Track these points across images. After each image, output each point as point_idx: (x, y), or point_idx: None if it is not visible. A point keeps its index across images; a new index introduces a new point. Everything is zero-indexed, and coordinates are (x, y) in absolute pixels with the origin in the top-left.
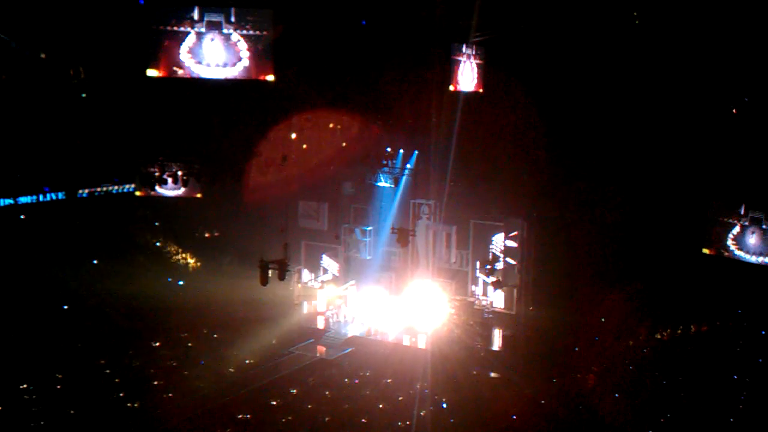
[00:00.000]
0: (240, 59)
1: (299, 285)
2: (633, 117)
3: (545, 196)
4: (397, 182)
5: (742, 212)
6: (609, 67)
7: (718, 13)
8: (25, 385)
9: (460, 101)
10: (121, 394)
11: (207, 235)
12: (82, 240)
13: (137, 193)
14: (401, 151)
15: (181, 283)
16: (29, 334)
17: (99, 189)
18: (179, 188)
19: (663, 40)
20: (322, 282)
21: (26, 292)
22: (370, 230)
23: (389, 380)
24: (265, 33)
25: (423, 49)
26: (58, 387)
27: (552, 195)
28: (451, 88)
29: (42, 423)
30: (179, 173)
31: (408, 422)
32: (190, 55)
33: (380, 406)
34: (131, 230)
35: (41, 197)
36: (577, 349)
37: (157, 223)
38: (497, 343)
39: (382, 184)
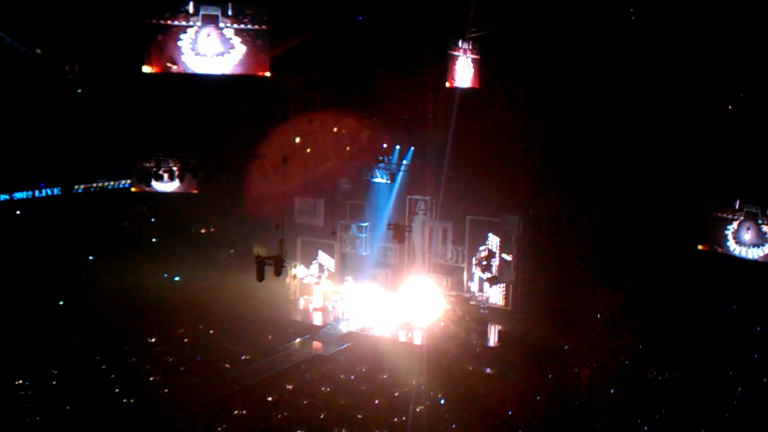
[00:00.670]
0: (236, 55)
1: (295, 281)
2: (628, 113)
3: (541, 192)
4: (393, 178)
5: (737, 207)
6: (604, 64)
7: (714, 8)
8: (20, 381)
9: (457, 97)
10: (116, 390)
11: (203, 230)
12: (77, 236)
13: (133, 189)
14: (397, 147)
15: (177, 279)
16: (24, 330)
17: (95, 185)
18: (175, 184)
19: (659, 36)
20: (318, 278)
21: (21, 287)
22: (366, 226)
23: (385, 376)
24: (264, 27)
25: (419, 44)
26: (54, 383)
27: (548, 191)
28: (447, 84)
29: (38, 419)
30: (175, 169)
31: (404, 418)
32: (184, 51)
33: (376, 401)
34: (127, 226)
35: (36, 193)
36: (567, 347)
37: (153, 219)
38: (493, 338)
39: (378, 180)
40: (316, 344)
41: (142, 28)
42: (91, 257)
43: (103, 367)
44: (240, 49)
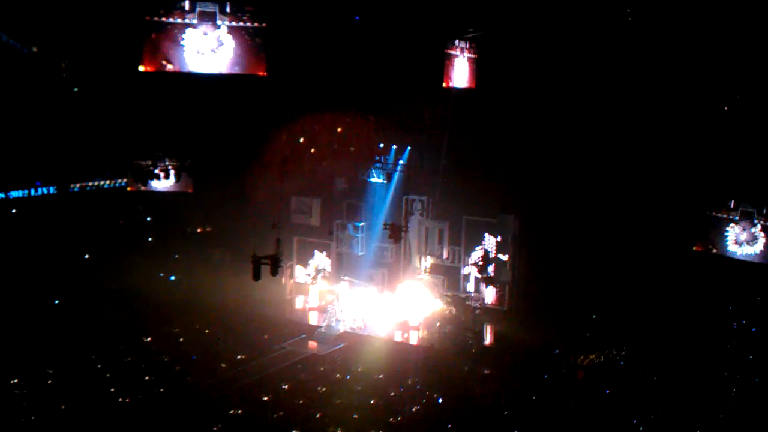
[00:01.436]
0: (233, 53)
1: (291, 281)
2: (624, 114)
3: (538, 193)
4: (389, 178)
5: (732, 206)
6: (601, 65)
7: (710, 10)
8: (15, 380)
9: (453, 97)
10: (112, 389)
11: (198, 230)
12: (73, 234)
13: (128, 188)
14: (394, 146)
15: (172, 278)
16: (20, 329)
17: (91, 183)
18: (171, 183)
19: (656, 37)
20: (314, 278)
21: (17, 286)
22: (362, 226)
23: (381, 376)
24: (263, 25)
25: (416, 44)
26: (49, 382)
27: (544, 192)
28: (444, 84)
29: (33, 418)
30: (171, 168)
31: (399, 418)
32: (180, 49)
33: (372, 401)
34: (123, 225)
35: (33, 191)
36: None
37: (149, 218)
38: (489, 339)
39: (374, 179)
40: (312, 344)
41: (138, 25)
42: (86, 256)
43: (99, 366)
44: (236, 48)
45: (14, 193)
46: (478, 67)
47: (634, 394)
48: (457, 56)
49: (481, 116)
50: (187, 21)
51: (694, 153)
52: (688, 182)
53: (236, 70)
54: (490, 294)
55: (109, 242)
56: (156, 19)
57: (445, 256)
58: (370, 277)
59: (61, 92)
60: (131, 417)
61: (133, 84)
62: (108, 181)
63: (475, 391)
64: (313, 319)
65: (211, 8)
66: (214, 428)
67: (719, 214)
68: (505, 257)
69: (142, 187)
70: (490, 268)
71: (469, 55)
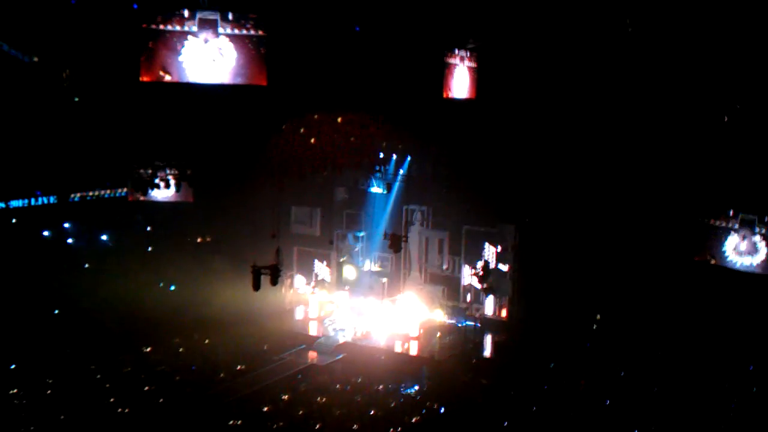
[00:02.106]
0: (234, 62)
1: (291, 291)
2: (624, 123)
3: (538, 203)
4: (389, 188)
5: (731, 215)
6: (600, 75)
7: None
8: (15, 390)
9: (454, 107)
10: (111, 400)
11: (199, 240)
12: (73, 244)
13: (129, 198)
14: (394, 156)
15: (172, 288)
16: (20, 339)
17: (91, 193)
18: (171, 192)
19: (657, 48)
20: (314, 288)
21: (17, 296)
22: (362, 236)
23: (381, 386)
24: (264, 34)
25: (416, 54)
26: (49, 392)
27: (544, 202)
28: (444, 94)
29: (32, 428)
30: (171, 177)
31: (399, 428)
32: (179, 58)
33: (372, 412)
34: (123, 234)
35: (33, 201)
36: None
37: (149, 228)
38: (489, 349)
39: (374, 189)
40: (312, 354)
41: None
42: (86, 265)
43: (98, 376)
44: (237, 58)
45: (14, 203)
46: (478, 77)
47: (634, 405)
48: (456, 65)
49: (482, 126)
50: (186, 29)
51: (693, 161)
52: (687, 191)
53: (237, 80)
54: (489, 304)
55: (109, 251)
56: (153, 27)
57: (445, 266)
58: (370, 287)
59: (61, 102)
60: (130, 427)
61: (133, 93)
62: (108, 191)
63: (475, 401)
64: (312, 329)
65: (212, 16)
66: None
67: (718, 223)
68: (505, 267)
69: (142, 197)
70: (490, 278)
71: (469, 65)
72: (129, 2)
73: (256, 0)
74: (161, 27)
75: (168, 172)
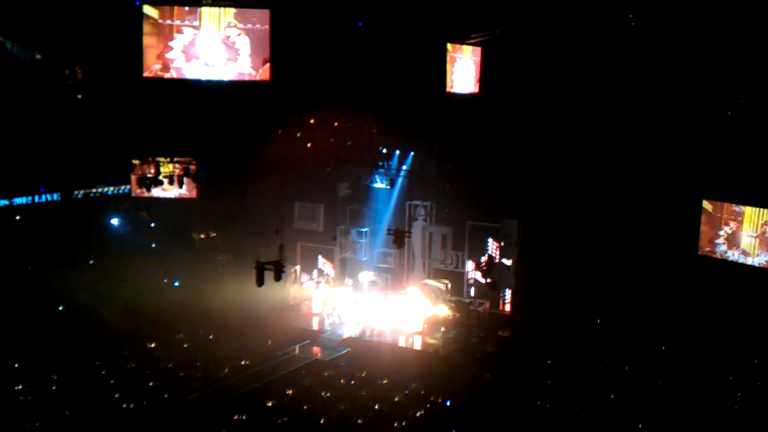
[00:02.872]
0: (237, 58)
1: (295, 286)
2: (627, 117)
3: (541, 198)
4: (393, 183)
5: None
6: (603, 69)
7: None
8: (20, 386)
9: (457, 102)
10: (116, 396)
11: (203, 236)
12: (77, 241)
13: (132, 195)
14: (397, 152)
15: (176, 284)
16: (24, 335)
17: (94, 190)
18: (175, 189)
19: (659, 41)
20: (318, 283)
21: (21, 292)
22: (365, 231)
23: (385, 381)
24: (266, 27)
25: (419, 48)
26: (53, 388)
27: (548, 196)
28: (448, 88)
29: (37, 424)
30: (175, 174)
31: (404, 423)
32: (181, 54)
33: (376, 406)
34: (127, 231)
35: (36, 198)
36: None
37: (153, 224)
38: (492, 344)
39: (377, 185)
40: (316, 349)
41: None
42: (91, 261)
43: (103, 372)
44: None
45: (18, 200)
46: (481, 72)
47: (638, 398)
48: (460, 58)
49: (485, 120)
50: (188, 23)
51: (696, 154)
52: (692, 184)
53: (240, 75)
54: (494, 298)
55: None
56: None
57: (449, 261)
58: (374, 283)
59: (65, 98)
60: (135, 423)
61: (136, 89)
62: (112, 188)
63: (480, 396)
64: (316, 324)
65: (215, 11)
66: None
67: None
68: (508, 262)
69: (146, 194)
70: (493, 273)
71: (473, 59)
72: None
73: None
74: (161, 21)
75: (172, 168)
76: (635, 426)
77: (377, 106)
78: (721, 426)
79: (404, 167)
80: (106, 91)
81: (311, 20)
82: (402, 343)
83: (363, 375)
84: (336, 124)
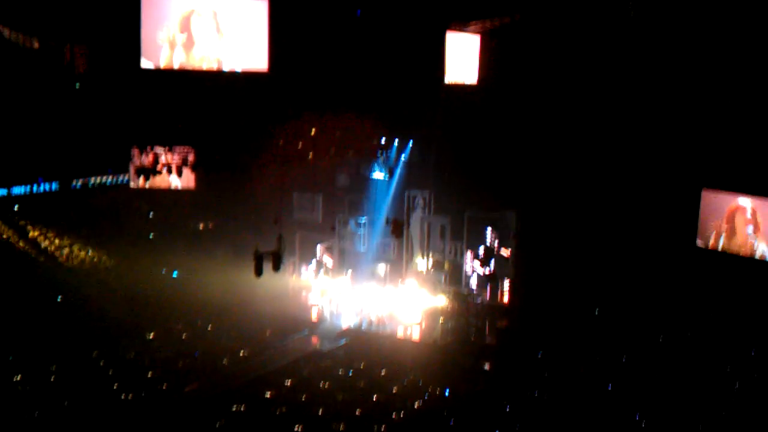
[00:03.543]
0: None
1: (293, 277)
2: (627, 107)
3: (540, 188)
4: (391, 174)
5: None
6: (603, 60)
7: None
8: (18, 377)
9: (456, 92)
10: (114, 386)
11: (201, 226)
12: (75, 231)
13: (131, 185)
14: (396, 142)
15: (175, 274)
16: (23, 326)
17: (93, 180)
18: (173, 179)
19: (660, 31)
20: (316, 273)
21: (19, 283)
22: (364, 222)
23: (383, 371)
24: (266, 21)
25: (418, 38)
26: (52, 379)
27: (546, 187)
28: (447, 78)
29: (36, 414)
30: (173, 164)
31: (402, 413)
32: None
33: (374, 397)
34: (125, 221)
35: (35, 188)
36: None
37: (151, 214)
38: (491, 334)
39: (376, 175)
40: (315, 340)
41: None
42: (89, 252)
43: (102, 362)
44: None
45: (16, 190)
46: (480, 62)
47: (635, 390)
48: (458, 50)
49: (483, 111)
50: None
51: (696, 145)
52: (692, 174)
53: (239, 66)
54: (491, 289)
55: (111, 238)
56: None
57: (447, 251)
58: (372, 274)
59: (63, 88)
60: (134, 414)
61: (135, 80)
62: (110, 178)
63: (477, 387)
64: (315, 314)
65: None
66: (217, 424)
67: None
68: (506, 253)
69: (144, 184)
70: (492, 264)
71: (472, 50)
72: None
73: None
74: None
75: (170, 159)
76: (633, 417)
77: (376, 97)
78: (718, 418)
79: (403, 157)
80: (105, 80)
81: (311, 11)
82: (400, 334)
83: (361, 366)
84: (335, 114)
